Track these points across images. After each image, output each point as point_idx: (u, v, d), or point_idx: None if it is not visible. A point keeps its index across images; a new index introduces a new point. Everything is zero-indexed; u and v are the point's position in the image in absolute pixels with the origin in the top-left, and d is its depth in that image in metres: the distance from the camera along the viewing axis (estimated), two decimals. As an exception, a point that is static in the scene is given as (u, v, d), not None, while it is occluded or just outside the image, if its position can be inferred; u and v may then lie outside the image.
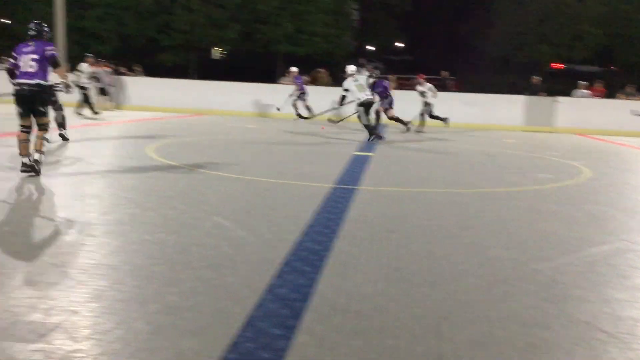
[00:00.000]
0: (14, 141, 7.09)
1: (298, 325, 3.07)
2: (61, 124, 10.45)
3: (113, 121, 15.24)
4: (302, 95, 18.07)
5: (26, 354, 2.64)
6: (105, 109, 18.31)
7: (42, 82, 6.78)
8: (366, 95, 12.58)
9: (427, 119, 16.42)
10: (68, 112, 14.14)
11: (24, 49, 6.86)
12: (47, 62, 6.82)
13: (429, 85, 16.55)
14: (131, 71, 22.06)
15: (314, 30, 35.24)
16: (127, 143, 10.99)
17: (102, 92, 18.97)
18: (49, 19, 30.46)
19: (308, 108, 17.85)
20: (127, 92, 20.15)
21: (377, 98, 13.77)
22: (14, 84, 6.76)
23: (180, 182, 7.00)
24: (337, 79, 25.30)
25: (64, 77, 7.33)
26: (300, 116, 17.88)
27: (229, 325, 3.02)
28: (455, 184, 7.97)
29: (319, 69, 21.64)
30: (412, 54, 47.67)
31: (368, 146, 11.89)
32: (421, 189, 7.35)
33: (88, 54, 17.54)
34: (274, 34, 35.00)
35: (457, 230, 5.33)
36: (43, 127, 6.92)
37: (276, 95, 19.10)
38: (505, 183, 8.44)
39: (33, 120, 6.86)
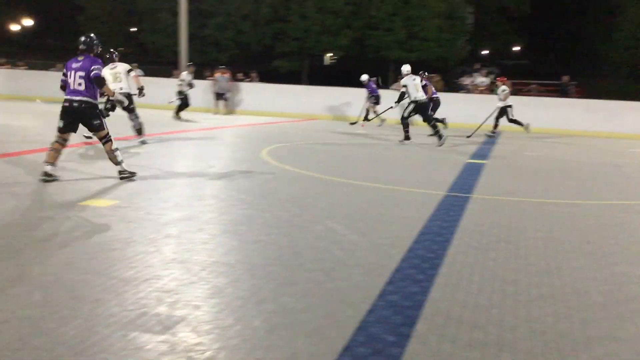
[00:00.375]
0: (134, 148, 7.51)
1: (411, 333, 3.05)
2: (139, 131, 10.74)
3: (229, 125, 15.86)
4: (376, 100, 17.97)
5: (153, 345, 2.81)
6: (221, 113, 19.12)
7: (89, 99, 6.70)
8: (422, 95, 12.70)
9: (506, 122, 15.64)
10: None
11: (73, 65, 6.74)
12: (91, 81, 6.67)
13: (502, 87, 15.65)
14: (247, 77, 22.85)
15: (427, 35, 34.86)
16: (242, 146, 11.40)
17: (219, 97, 19.83)
18: (173, 28, 32.31)
19: (375, 112, 17.70)
20: (243, 98, 20.90)
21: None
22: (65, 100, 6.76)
23: (292, 186, 7.17)
24: (450, 84, 24.89)
25: (110, 94, 7.35)
26: (366, 119, 17.83)
27: (342, 329, 3.05)
28: (577, 195, 7.58)
29: (433, 74, 21.36)
30: (529, 58, 45.87)
31: (482, 154, 11.58)
32: (539, 200, 7.05)
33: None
34: (386, 39, 34.98)
35: (579, 244, 5.07)
36: (105, 141, 6.90)
37: (387, 101, 19.07)
38: (633, 195, 7.91)
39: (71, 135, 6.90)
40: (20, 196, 5.89)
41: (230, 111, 19.79)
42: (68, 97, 6.71)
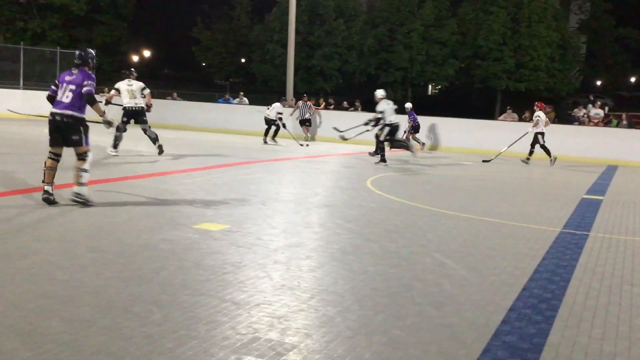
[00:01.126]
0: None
1: (531, 377, 2.89)
2: (154, 140, 12.05)
3: (333, 153, 16.04)
4: (414, 129, 18.68)
5: (266, 370, 2.83)
6: (304, 139, 19.39)
7: (74, 113, 6.47)
8: (396, 119, 13.77)
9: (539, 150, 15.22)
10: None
11: (66, 78, 6.57)
12: (82, 96, 6.48)
13: (537, 112, 15.22)
14: (352, 106, 23.09)
15: (537, 65, 33.85)
16: (346, 175, 11.47)
17: (302, 123, 20.22)
18: (281, 58, 33.33)
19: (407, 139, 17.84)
20: (344, 125, 21.00)
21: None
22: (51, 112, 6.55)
23: (399, 216, 7.09)
24: (562, 116, 23.93)
25: (100, 114, 6.74)
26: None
27: (456, 368, 2.95)
28: None
29: (547, 106, 20.70)
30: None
31: (598, 189, 10.98)
32: (665, 240, 6.56)
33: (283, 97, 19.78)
34: (494, 69, 34.29)
35: None
36: (81, 157, 6.57)
37: (495, 132, 18.63)
38: None
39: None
40: (139, 217, 6.21)
41: (312, 137, 20.13)
42: (53, 110, 6.51)
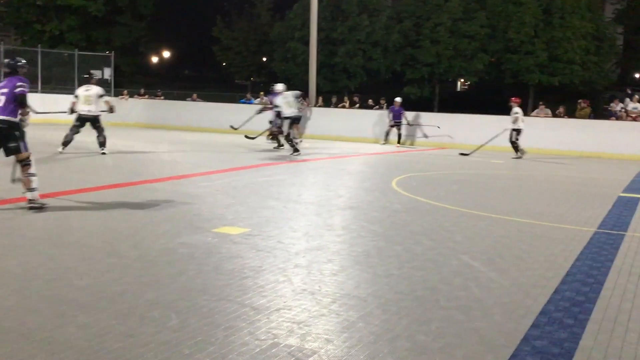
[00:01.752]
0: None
1: (561, 383, 2.87)
2: (102, 143, 12.36)
3: (357, 153, 16.04)
4: (398, 124, 19.24)
5: (285, 376, 2.85)
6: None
7: (8, 118, 6.50)
8: (293, 112, 14.40)
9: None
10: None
11: None
12: (14, 98, 6.52)
13: (515, 109, 15.86)
14: (377, 104, 23.05)
15: (572, 58, 33.39)
16: (370, 175, 11.46)
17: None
18: (303, 56, 33.41)
19: (387, 134, 19.25)
20: (367, 125, 20.99)
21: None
22: None
23: (425, 217, 7.07)
24: (598, 110, 23.58)
25: (24, 113, 6.70)
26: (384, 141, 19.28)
27: (483, 374, 2.94)
28: None
29: (582, 101, 20.41)
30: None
31: (637, 187, 10.81)
32: None
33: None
34: (526, 63, 33.92)
35: None
36: (25, 163, 6.60)
37: (527, 128, 18.44)
38: None
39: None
40: (157, 221, 6.29)
41: (300, 135, 20.13)
42: None
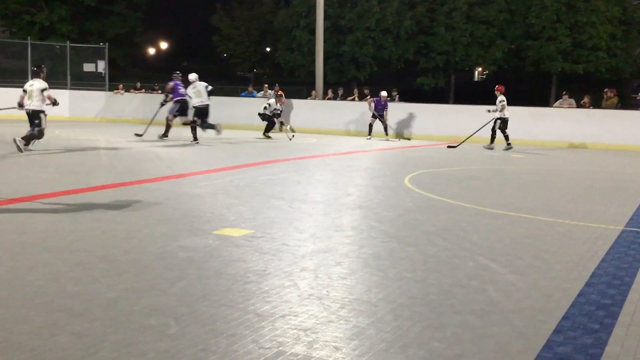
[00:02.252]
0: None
1: (584, 392, 2.87)
2: (28, 137, 12.42)
3: (366, 149, 16.06)
4: (381, 117, 19.52)
5: (290, 386, 2.88)
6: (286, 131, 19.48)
7: None
8: (201, 101, 15.89)
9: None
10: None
11: None
12: None
13: (501, 97, 16.25)
14: (389, 96, 23.02)
15: (597, 44, 33.24)
16: (382, 172, 11.47)
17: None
18: (309, 46, 33.40)
19: (370, 127, 19.63)
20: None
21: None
22: None
23: (439, 216, 7.08)
24: (626, 99, 23.43)
25: None
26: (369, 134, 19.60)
27: (501, 383, 2.95)
28: None
29: (608, 90, 20.30)
30: None
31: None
32: None
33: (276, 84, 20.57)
34: (547, 50, 33.80)
35: None
36: None
37: (550, 120, 18.40)
38: None
39: None
40: (154, 223, 6.33)
41: (285, 130, 20.14)
42: None
